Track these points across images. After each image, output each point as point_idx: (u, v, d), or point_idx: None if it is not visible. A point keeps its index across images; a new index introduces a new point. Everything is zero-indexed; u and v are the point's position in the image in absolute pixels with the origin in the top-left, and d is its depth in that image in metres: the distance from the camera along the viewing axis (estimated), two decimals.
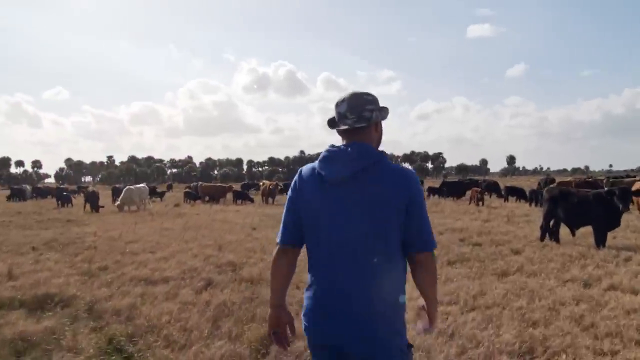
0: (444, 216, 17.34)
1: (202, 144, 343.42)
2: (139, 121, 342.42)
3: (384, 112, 2.17)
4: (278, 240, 2.21)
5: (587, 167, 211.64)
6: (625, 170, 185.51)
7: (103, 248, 10.64)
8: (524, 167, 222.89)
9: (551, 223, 10.23)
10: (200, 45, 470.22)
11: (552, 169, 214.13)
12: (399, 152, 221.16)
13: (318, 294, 2.08)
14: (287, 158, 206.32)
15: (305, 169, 2.18)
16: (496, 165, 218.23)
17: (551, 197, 10.09)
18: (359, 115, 2.08)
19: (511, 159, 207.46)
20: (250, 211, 21.62)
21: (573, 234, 10.17)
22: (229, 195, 30.61)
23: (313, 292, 2.10)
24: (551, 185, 14.00)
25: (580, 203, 9.58)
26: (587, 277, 6.81)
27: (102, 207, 23.16)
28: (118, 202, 23.18)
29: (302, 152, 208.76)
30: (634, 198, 12.21)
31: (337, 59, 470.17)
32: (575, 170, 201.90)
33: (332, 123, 2.19)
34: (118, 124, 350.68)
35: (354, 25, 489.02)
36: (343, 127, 2.11)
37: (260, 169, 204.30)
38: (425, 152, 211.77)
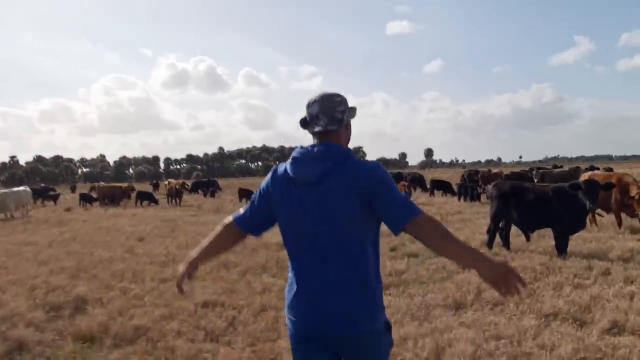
0: None
1: (118, 142, 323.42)
2: (49, 119, 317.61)
3: (352, 111, 2.21)
4: (233, 217, 2.28)
5: (499, 159, 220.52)
6: (534, 162, 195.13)
7: None
8: (440, 160, 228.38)
9: (500, 225, 8.37)
10: (115, 39, 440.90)
11: (467, 161, 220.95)
12: None
13: (300, 289, 2.11)
14: (206, 155, 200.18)
15: (280, 168, 2.19)
16: (415, 158, 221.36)
17: (501, 194, 8.19)
18: (331, 117, 2.12)
19: (429, 152, 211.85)
20: (149, 215, 18.70)
21: (528, 239, 8.37)
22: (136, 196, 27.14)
23: (295, 287, 2.13)
24: (499, 180, 12.28)
25: (538, 201, 7.74)
26: (575, 309, 4.86)
27: None
28: None
29: (221, 148, 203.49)
30: None
31: (258, 54, 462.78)
32: (488, 162, 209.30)
33: (304, 123, 2.20)
34: (25, 122, 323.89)
35: (274, 21, 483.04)
36: (316, 130, 2.13)
37: (178, 166, 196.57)
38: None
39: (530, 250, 8.02)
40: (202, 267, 7.46)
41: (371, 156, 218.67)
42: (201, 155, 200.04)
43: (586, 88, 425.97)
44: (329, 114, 2.10)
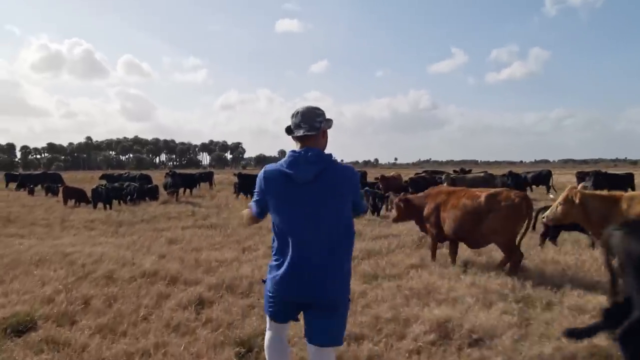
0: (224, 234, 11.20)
1: None
2: None
3: (329, 122, 2.91)
4: (254, 211, 3.00)
5: (376, 160, 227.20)
6: (407, 164, 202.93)
7: None
8: None
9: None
10: None
11: (345, 161, 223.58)
12: (197, 141, 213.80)
13: (290, 264, 2.75)
14: (70, 145, 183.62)
15: (270, 168, 2.85)
16: None
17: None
18: (311, 125, 2.81)
19: None
20: None
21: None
22: None
23: (284, 262, 2.77)
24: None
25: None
26: None
27: None
28: None
29: (88, 138, 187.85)
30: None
31: (141, 42, 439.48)
32: (366, 163, 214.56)
33: (288, 130, 2.88)
34: None
35: (159, 8, 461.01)
36: (299, 134, 2.82)
37: (38, 156, 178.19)
38: (224, 141, 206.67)
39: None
40: None
41: (251, 152, 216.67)
42: (65, 144, 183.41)
43: (458, 97, 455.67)
44: (309, 123, 2.81)
